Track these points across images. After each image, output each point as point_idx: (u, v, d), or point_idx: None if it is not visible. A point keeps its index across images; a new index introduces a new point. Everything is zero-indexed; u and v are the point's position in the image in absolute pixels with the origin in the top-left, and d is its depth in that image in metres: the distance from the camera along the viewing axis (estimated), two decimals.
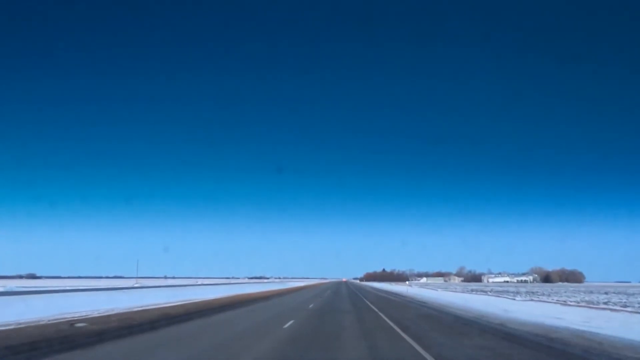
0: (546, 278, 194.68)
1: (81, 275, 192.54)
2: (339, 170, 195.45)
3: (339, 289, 76.85)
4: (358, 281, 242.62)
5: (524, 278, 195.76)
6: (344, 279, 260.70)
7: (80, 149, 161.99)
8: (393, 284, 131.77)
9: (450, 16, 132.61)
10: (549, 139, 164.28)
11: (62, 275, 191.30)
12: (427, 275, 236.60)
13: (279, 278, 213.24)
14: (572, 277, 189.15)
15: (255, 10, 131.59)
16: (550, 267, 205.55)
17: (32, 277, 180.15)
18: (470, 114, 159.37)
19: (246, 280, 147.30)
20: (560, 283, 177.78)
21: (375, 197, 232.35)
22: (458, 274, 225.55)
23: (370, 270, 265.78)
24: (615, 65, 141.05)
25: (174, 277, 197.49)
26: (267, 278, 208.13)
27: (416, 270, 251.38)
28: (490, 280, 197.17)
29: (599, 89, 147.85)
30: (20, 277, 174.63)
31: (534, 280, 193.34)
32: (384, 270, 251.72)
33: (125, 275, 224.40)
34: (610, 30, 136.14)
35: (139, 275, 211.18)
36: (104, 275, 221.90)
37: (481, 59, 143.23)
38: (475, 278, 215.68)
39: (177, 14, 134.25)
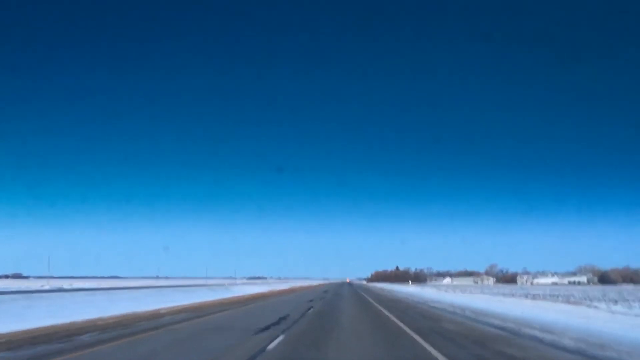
0: (602, 278, 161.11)
1: (74, 275, 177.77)
2: (342, 165, 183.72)
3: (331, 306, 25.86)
4: (365, 282, 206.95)
5: (576, 279, 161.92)
6: (347, 280, 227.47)
7: (77, 148, 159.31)
8: (442, 289, 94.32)
9: (450, 14, 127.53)
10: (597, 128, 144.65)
11: (55, 275, 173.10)
12: (450, 274, 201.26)
13: (279, 278, 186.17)
14: (637, 277, 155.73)
15: (255, 8, 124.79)
16: (604, 265, 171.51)
17: (18, 276, 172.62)
18: (481, 106, 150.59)
19: (241, 281, 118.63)
20: (624, 285, 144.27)
21: (381, 190, 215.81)
22: (488, 273, 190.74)
23: (380, 268, 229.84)
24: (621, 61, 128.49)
25: (167, 277, 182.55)
26: (266, 278, 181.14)
27: (435, 268, 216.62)
28: (535, 281, 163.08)
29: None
30: (7, 276, 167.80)
31: (589, 281, 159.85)
32: (397, 268, 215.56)
33: (122, 275, 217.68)
34: (610, 28, 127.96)
35: (134, 275, 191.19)
36: (99, 275, 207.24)
37: (482, 57, 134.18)
38: (510, 278, 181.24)
39: (177, 12, 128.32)
